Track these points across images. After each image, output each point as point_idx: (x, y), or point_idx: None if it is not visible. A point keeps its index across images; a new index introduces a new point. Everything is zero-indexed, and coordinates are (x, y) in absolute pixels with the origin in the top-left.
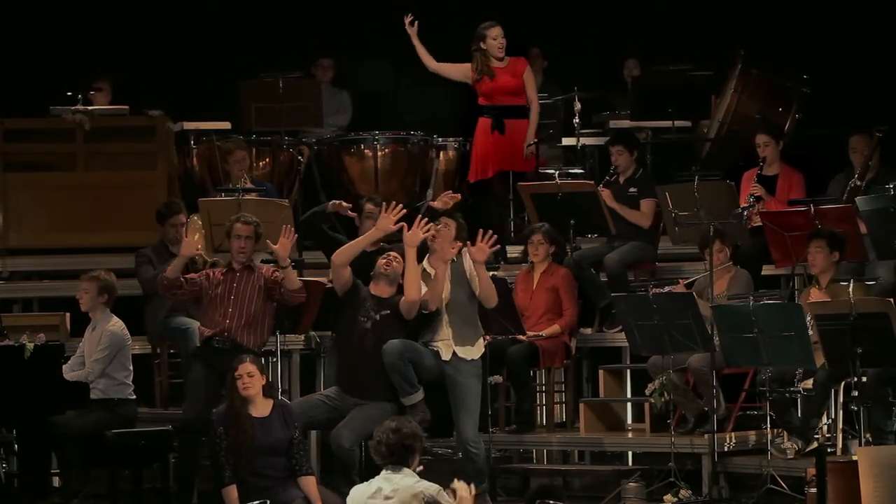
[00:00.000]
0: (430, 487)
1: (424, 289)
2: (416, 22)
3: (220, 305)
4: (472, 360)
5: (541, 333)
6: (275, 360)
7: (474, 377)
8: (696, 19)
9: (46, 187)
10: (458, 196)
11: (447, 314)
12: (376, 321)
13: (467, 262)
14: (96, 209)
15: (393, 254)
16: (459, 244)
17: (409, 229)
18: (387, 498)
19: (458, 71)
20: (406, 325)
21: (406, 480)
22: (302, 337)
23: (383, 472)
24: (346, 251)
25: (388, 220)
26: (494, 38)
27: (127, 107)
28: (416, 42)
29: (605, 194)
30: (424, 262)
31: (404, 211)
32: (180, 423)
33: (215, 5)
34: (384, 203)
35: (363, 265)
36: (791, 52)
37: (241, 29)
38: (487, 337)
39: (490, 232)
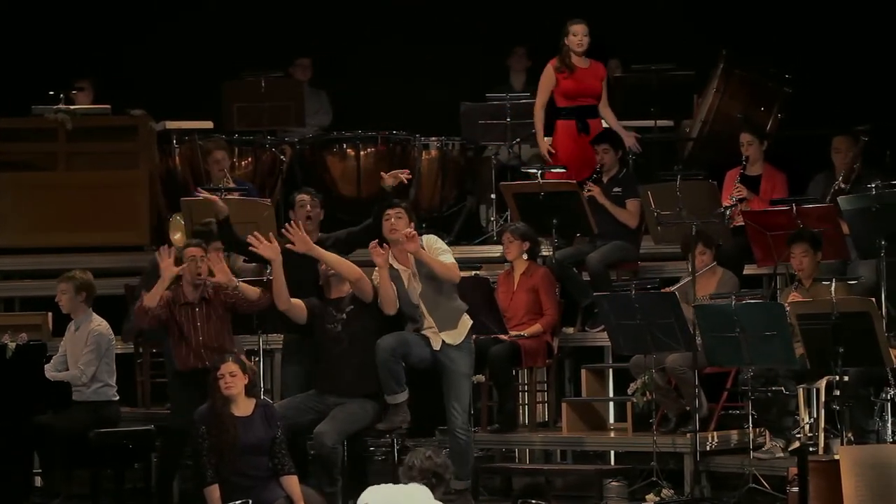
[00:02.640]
0: None
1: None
2: None
3: (188, 345)
4: (460, 343)
5: (522, 333)
6: (257, 359)
7: (466, 364)
8: (678, 19)
9: (28, 187)
10: (407, 171)
11: (423, 306)
12: (344, 320)
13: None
14: (78, 209)
15: None
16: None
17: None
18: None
19: (544, 89)
20: (375, 314)
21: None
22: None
23: (412, 485)
24: (278, 294)
25: (269, 249)
26: (575, 34)
27: (109, 106)
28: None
29: (596, 191)
30: (391, 260)
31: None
32: (168, 427)
33: (197, 5)
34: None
35: (310, 277)
36: (773, 53)
37: (224, 29)
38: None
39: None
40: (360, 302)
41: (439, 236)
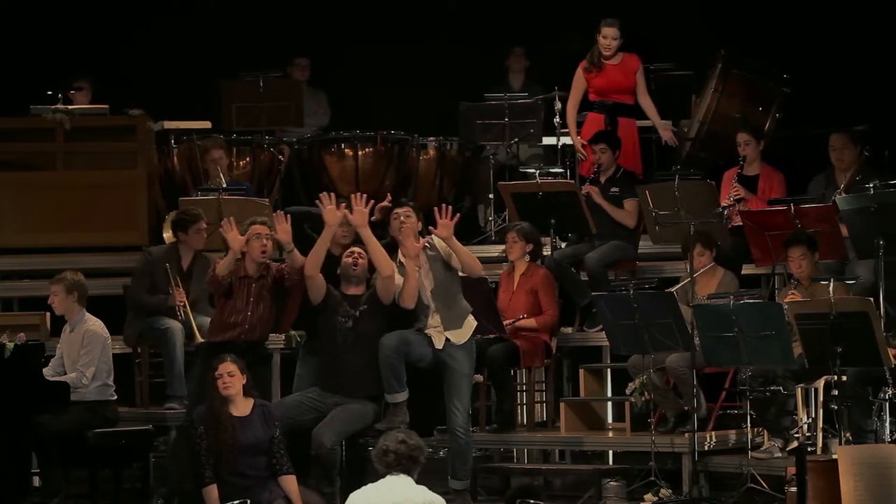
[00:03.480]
0: (438, 500)
1: (399, 279)
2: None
3: (234, 315)
4: (464, 342)
5: (519, 317)
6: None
7: (467, 364)
8: (676, 19)
9: (26, 187)
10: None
11: (433, 302)
12: (356, 317)
13: (439, 244)
14: (76, 209)
15: (357, 250)
16: (423, 239)
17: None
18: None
19: (575, 89)
20: (386, 315)
21: (415, 490)
22: (282, 336)
23: (389, 478)
24: (313, 259)
25: (331, 213)
26: (605, 36)
27: (107, 106)
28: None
29: (594, 192)
30: (399, 257)
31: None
32: (184, 419)
33: (196, 5)
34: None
35: (329, 268)
36: (771, 52)
37: (222, 29)
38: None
39: (446, 206)
40: (375, 303)
41: None
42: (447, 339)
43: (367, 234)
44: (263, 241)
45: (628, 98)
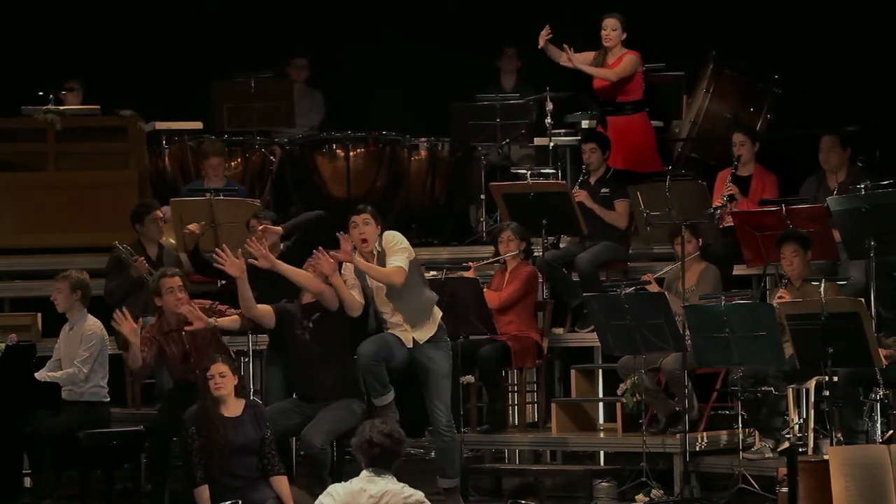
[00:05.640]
0: (416, 494)
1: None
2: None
3: (182, 364)
4: (432, 336)
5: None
6: (246, 360)
7: (445, 364)
8: (668, 19)
9: (17, 187)
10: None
11: (391, 302)
12: (310, 329)
13: (348, 271)
14: (67, 209)
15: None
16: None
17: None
18: (371, 497)
19: (583, 58)
20: (345, 319)
21: (392, 486)
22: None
23: (365, 473)
24: (246, 304)
25: (233, 267)
26: (604, 28)
27: (98, 106)
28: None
29: (583, 196)
30: (357, 259)
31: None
32: (152, 424)
33: (189, 5)
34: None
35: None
36: (763, 53)
37: (214, 29)
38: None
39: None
40: (326, 310)
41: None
42: (414, 340)
43: (282, 269)
44: (177, 293)
45: (633, 95)
